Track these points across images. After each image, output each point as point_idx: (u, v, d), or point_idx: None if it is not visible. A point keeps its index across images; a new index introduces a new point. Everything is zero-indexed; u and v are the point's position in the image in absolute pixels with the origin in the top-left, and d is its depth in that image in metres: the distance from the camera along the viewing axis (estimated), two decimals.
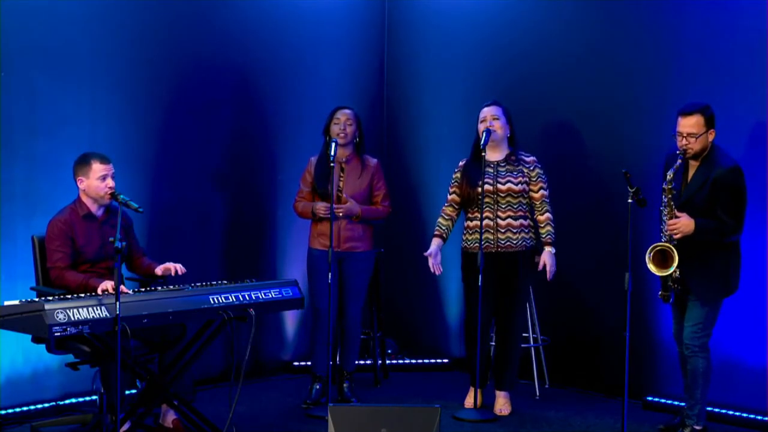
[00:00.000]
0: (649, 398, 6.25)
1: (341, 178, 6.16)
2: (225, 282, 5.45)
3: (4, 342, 5.74)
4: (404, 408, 4.62)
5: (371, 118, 7.56)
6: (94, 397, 5.73)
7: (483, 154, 5.91)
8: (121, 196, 5.12)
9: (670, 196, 5.35)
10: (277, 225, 6.98)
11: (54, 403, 5.96)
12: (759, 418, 5.82)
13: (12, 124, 5.83)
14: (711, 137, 5.41)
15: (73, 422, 5.65)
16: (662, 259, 5.32)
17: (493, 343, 6.33)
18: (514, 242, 6.01)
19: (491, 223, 5.98)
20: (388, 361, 7.12)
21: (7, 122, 5.81)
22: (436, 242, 6.11)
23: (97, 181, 5.29)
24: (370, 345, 7.00)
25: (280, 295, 5.46)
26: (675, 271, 5.34)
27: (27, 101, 5.89)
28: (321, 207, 6.08)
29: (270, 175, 7.01)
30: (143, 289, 5.23)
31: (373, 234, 6.31)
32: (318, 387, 6.27)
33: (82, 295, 4.96)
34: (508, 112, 6.09)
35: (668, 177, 5.35)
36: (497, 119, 6.02)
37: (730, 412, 5.89)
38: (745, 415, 5.86)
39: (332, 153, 5.91)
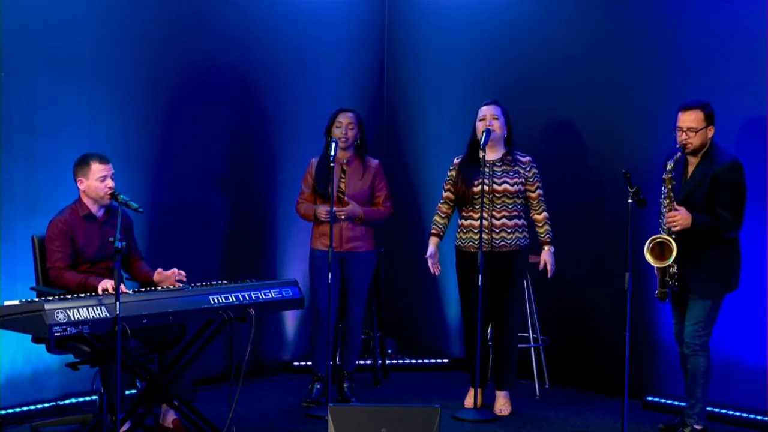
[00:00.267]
0: (649, 398, 6.25)
1: (342, 180, 6.16)
2: (225, 282, 5.45)
3: (4, 342, 5.74)
4: (404, 408, 4.62)
5: (371, 118, 7.56)
6: (94, 397, 5.73)
7: (483, 153, 5.91)
8: (121, 196, 5.12)
9: (670, 186, 5.36)
10: (277, 225, 6.98)
11: (54, 403, 5.96)
12: (759, 418, 5.82)
13: (12, 124, 5.83)
14: (710, 133, 5.43)
15: (73, 422, 5.65)
16: (661, 252, 5.33)
17: (491, 343, 6.33)
18: (509, 242, 6.01)
19: (486, 222, 5.98)
20: (388, 361, 7.12)
21: (7, 122, 5.81)
22: (433, 242, 6.14)
23: (96, 182, 5.30)
24: (370, 345, 7.00)
25: (280, 295, 5.46)
26: (673, 267, 5.35)
27: (27, 101, 5.89)
28: (322, 211, 6.07)
29: (270, 175, 7.01)
30: (143, 289, 5.23)
31: (374, 234, 6.31)
32: (318, 386, 6.28)
33: (82, 295, 4.95)
34: (507, 112, 6.09)
35: (668, 167, 5.36)
36: (497, 119, 6.02)
37: (730, 412, 5.89)
38: (745, 415, 5.86)
39: (332, 153, 5.91)
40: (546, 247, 6.06)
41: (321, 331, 6.20)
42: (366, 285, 6.31)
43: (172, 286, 5.30)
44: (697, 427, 5.51)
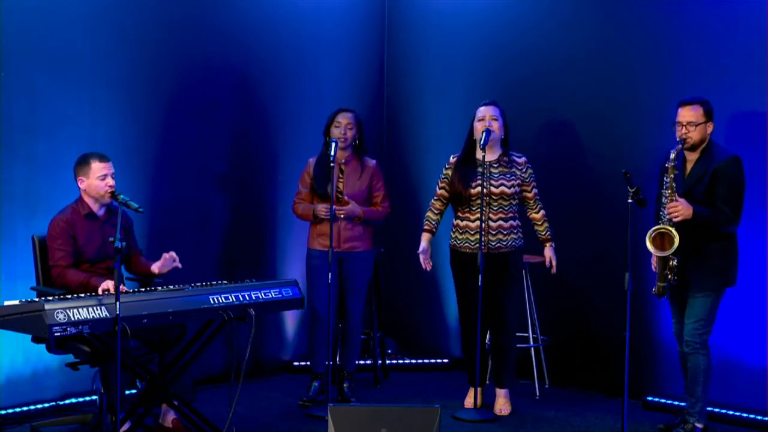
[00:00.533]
0: (649, 398, 6.25)
1: (340, 180, 6.17)
2: (225, 282, 5.45)
3: (4, 342, 5.74)
4: (404, 408, 4.62)
5: (371, 118, 7.56)
6: (94, 397, 5.73)
7: (483, 154, 5.91)
8: (121, 196, 5.12)
9: (672, 176, 5.36)
10: (277, 225, 6.98)
11: (54, 403, 5.96)
12: (759, 418, 5.82)
13: (12, 124, 5.83)
14: (709, 129, 5.45)
15: (73, 422, 5.65)
16: (662, 243, 5.33)
17: (488, 344, 6.33)
18: (504, 243, 6.01)
19: (483, 224, 5.97)
20: (388, 361, 7.12)
21: (7, 122, 5.81)
22: (426, 238, 6.16)
23: (97, 181, 5.30)
24: (370, 345, 7.00)
25: (280, 295, 5.46)
26: (673, 260, 5.35)
27: (27, 101, 5.89)
28: (322, 209, 6.08)
29: (270, 175, 7.01)
30: (143, 289, 5.23)
31: (372, 234, 6.31)
32: (316, 385, 6.28)
33: (82, 295, 4.95)
34: (505, 114, 6.09)
35: (671, 156, 5.36)
36: (496, 120, 6.02)
37: (730, 412, 5.89)
38: (745, 415, 5.86)
39: (332, 153, 5.91)
40: (548, 244, 6.09)
41: (319, 331, 6.21)
42: (365, 285, 6.32)
43: (172, 287, 5.30)
44: (698, 425, 5.51)
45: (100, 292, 5.04)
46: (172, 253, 5.42)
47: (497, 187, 5.99)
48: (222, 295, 5.20)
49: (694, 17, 6.16)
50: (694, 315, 5.47)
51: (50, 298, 4.81)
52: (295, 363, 7.11)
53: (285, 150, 7.01)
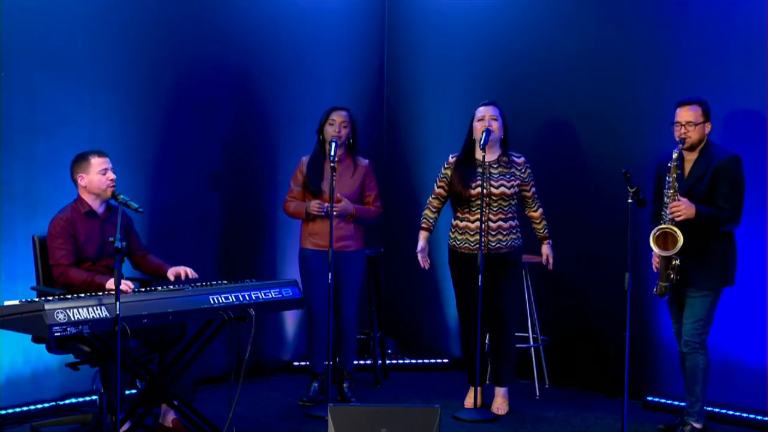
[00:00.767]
0: (649, 398, 6.25)
1: (333, 177, 6.17)
2: (225, 282, 5.45)
3: (4, 342, 5.74)
4: (404, 408, 4.62)
5: (371, 118, 7.57)
6: (94, 397, 5.73)
7: (483, 154, 5.91)
8: (121, 196, 5.12)
9: (675, 175, 5.36)
10: (277, 225, 6.98)
11: (54, 403, 5.96)
12: (759, 418, 5.82)
13: (12, 124, 5.83)
14: (707, 129, 5.46)
15: (73, 422, 5.65)
16: (665, 243, 5.33)
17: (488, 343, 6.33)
18: (504, 243, 6.01)
19: (483, 225, 5.97)
20: (388, 361, 7.12)
21: (7, 122, 5.81)
22: (423, 236, 6.17)
23: (98, 175, 5.31)
24: (370, 345, 7.00)
25: (280, 295, 5.46)
26: (675, 260, 5.34)
27: (27, 101, 5.89)
28: (315, 205, 6.08)
29: (270, 175, 7.01)
30: (143, 289, 5.23)
31: (363, 234, 6.31)
32: (316, 385, 6.29)
33: (82, 294, 4.95)
34: (504, 114, 6.09)
35: (674, 156, 5.36)
36: (496, 120, 6.02)
37: (730, 412, 5.89)
38: (745, 415, 5.86)
39: (332, 153, 5.92)
40: (545, 242, 6.15)
41: (316, 331, 6.23)
42: (358, 284, 6.31)
43: (172, 287, 5.30)
44: (697, 425, 5.51)
45: (108, 286, 5.03)
46: (194, 273, 5.42)
47: (497, 187, 5.99)
48: (222, 295, 5.20)
49: (694, 17, 6.16)
50: (693, 315, 5.47)
51: (50, 298, 4.81)
52: (295, 363, 7.11)
53: (285, 150, 7.01)
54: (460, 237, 6.08)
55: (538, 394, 6.50)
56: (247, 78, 6.92)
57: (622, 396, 5.24)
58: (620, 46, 6.48)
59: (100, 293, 5.00)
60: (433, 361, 7.37)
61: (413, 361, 7.38)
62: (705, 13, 6.11)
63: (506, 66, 7.03)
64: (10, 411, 5.79)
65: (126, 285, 5.07)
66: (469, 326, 6.06)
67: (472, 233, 6.00)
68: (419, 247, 6.15)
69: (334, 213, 6.05)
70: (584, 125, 6.66)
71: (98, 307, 4.76)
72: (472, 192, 5.99)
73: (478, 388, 6.07)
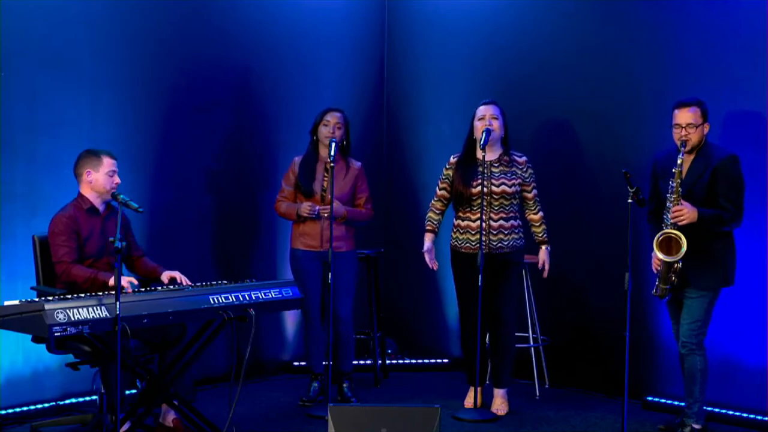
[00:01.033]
0: (649, 398, 6.25)
1: (326, 179, 6.17)
2: (225, 282, 5.45)
3: (4, 342, 5.74)
4: (404, 408, 4.62)
5: (371, 118, 7.57)
6: (94, 397, 5.73)
7: (483, 153, 5.91)
8: (121, 196, 5.12)
9: (678, 180, 5.36)
10: (277, 225, 6.97)
11: (54, 403, 5.96)
12: (759, 418, 5.82)
13: (12, 124, 5.83)
14: (706, 130, 5.46)
15: (73, 422, 5.66)
16: (667, 247, 5.32)
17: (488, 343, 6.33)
18: (505, 243, 6.01)
19: (483, 224, 5.97)
20: (388, 361, 7.12)
21: (7, 122, 5.81)
22: (429, 237, 6.15)
23: (106, 176, 5.33)
24: (370, 345, 7.00)
25: (280, 295, 5.45)
26: (677, 264, 5.34)
27: (27, 101, 5.89)
28: (306, 208, 6.09)
29: (270, 176, 7.00)
30: (143, 289, 5.23)
31: (354, 235, 6.31)
32: (316, 385, 6.30)
33: (82, 294, 4.95)
34: (505, 113, 6.09)
35: (679, 161, 5.35)
36: (496, 119, 6.02)
37: (730, 412, 5.89)
38: (745, 415, 5.86)
39: (332, 153, 5.92)
40: (543, 247, 6.08)
41: (312, 331, 6.25)
42: (352, 284, 6.31)
43: (172, 287, 5.31)
44: (696, 426, 5.51)
45: (111, 284, 5.03)
46: (188, 281, 5.42)
47: (498, 186, 5.99)
48: (222, 295, 5.20)
49: (694, 17, 6.16)
50: (690, 316, 5.47)
51: (50, 298, 4.81)
52: (295, 363, 7.11)
53: (285, 150, 7.00)
54: (461, 237, 6.08)
55: (538, 394, 6.50)
56: (247, 78, 6.92)
57: (622, 396, 5.24)
58: (620, 46, 6.48)
59: (100, 293, 5.00)
60: (433, 361, 7.37)
61: (413, 361, 7.38)
62: (704, 13, 6.11)
63: (506, 66, 7.03)
64: (10, 411, 5.79)
65: (127, 281, 5.07)
66: (470, 326, 6.06)
67: (473, 233, 6.00)
68: (426, 248, 6.13)
69: (325, 215, 6.05)
70: (584, 125, 6.67)
71: (98, 307, 4.76)
72: (473, 191, 5.99)
73: (478, 388, 6.07)
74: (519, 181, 6.03)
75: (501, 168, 6.04)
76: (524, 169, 6.06)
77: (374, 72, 7.64)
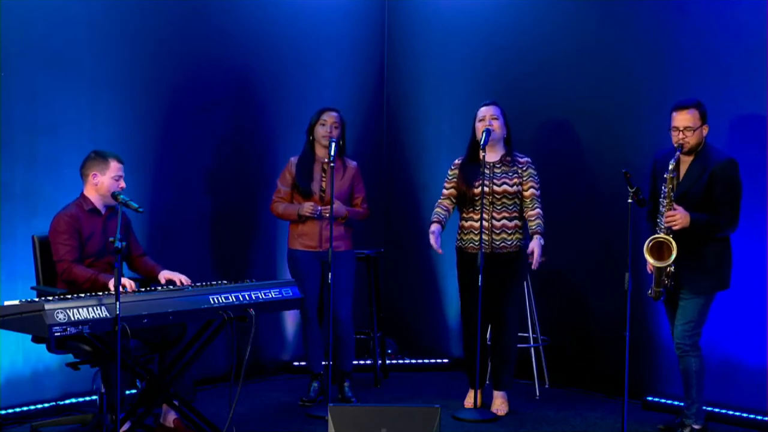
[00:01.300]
0: (649, 398, 6.25)
1: (323, 179, 6.17)
2: (225, 282, 5.45)
3: (4, 342, 5.74)
4: (404, 408, 4.62)
5: (371, 118, 7.57)
6: (94, 397, 5.74)
7: (483, 153, 5.91)
8: (121, 197, 5.12)
9: (671, 186, 5.36)
10: (277, 225, 6.96)
11: (54, 403, 5.96)
12: (759, 418, 5.82)
13: (12, 124, 5.83)
14: (705, 132, 5.44)
15: (73, 422, 5.66)
16: (659, 252, 5.32)
17: (489, 344, 6.33)
18: (509, 243, 6.01)
19: (486, 224, 5.98)
20: (388, 361, 7.12)
21: (7, 122, 5.81)
22: (435, 225, 6.01)
23: (111, 180, 5.34)
24: (370, 345, 7.00)
25: (280, 295, 5.45)
26: (670, 267, 5.34)
27: (27, 101, 5.89)
28: (308, 207, 6.08)
29: (270, 176, 6.99)
30: (143, 289, 5.23)
31: (352, 234, 6.32)
32: (316, 385, 6.30)
33: (82, 294, 4.96)
34: (506, 113, 6.09)
35: (670, 167, 5.35)
36: (496, 119, 6.02)
37: (730, 412, 5.89)
38: (745, 415, 5.86)
39: (332, 153, 5.92)
40: (536, 237, 5.91)
41: (311, 332, 6.26)
42: (350, 284, 6.31)
43: (172, 287, 5.31)
44: (696, 426, 5.51)
45: (111, 286, 5.03)
46: (188, 280, 5.42)
47: (500, 186, 6.00)
48: (222, 295, 5.20)
49: (693, 17, 6.16)
50: (684, 317, 5.46)
51: (50, 298, 4.81)
52: (295, 363, 7.11)
53: (285, 150, 6.99)
54: (465, 237, 6.09)
55: (538, 394, 6.50)
56: (247, 78, 6.92)
57: (622, 396, 5.24)
58: (620, 46, 6.48)
59: (101, 293, 5.00)
60: (433, 361, 7.37)
61: (413, 361, 7.38)
62: (704, 13, 6.11)
63: (506, 66, 7.03)
64: (10, 411, 5.79)
65: (128, 283, 5.07)
66: (470, 327, 6.05)
67: (476, 232, 6.00)
68: (432, 229, 5.97)
69: (326, 215, 6.06)
70: (584, 125, 6.67)
71: (98, 307, 4.76)
72: (475, 191, 5.99)
73: (478, 389, 6.07)
74: (518, 180, 6.03)
75: (503, 168, 6.05)
76: (524, 168, 6.05)
77: (374, 72, 7.65)
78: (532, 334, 6.61)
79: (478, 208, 6.00)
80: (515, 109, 6.39)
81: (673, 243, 5.25)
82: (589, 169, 6.64)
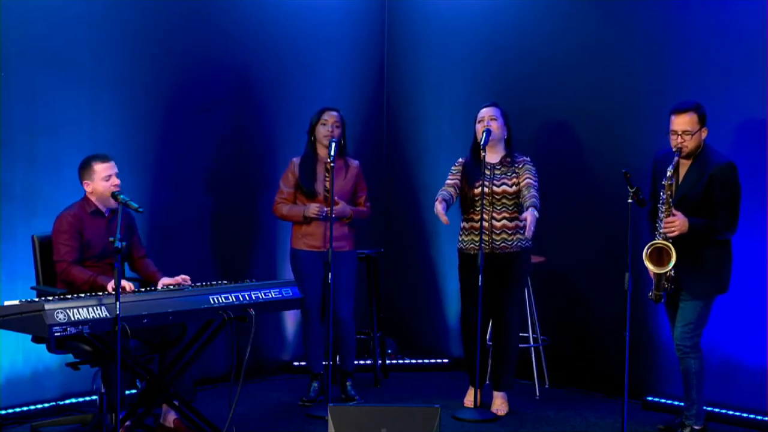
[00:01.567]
0: (649, 398, 6.25)
1: (326, 179, 6.17)
2: (225, 282, 5.45)
3: (4, 342, 5.74)
4: (404, 408, 4.62)
5: (371, 118, 7.57)
6: (94, 397, 5.74)
7: (483, 153, 5.91)
8: (121, 197, 5.12)
9: (669, 192, 5.35)
10: (277, 225, 6.97)
11: (54, 403, 5.96)
12: (759, 418, 5.82)
13: (12, 124, 5.83)
14: (704, 135, 5.43)
15: (73, 422, 5.66)
16: (658, 257, 5.32)
17: (490, 343, 6.33)
18: (509, 243, 6.01)
19: (486, 224, 5.98)
20: (388, 361, 7.12)
21: (7, 122, 5.81)
22: (440, 202, 5.86)
23: (102, 182, 5.33)
24: (370, 345, 7.00)
25: (280, 295, 5.46)
26: (670, 271, 5.34)
27: (27, 101, 5.89)
28: (315, 208, 6.07)
29: (270, 176, 7.00)
30: (143, 289, 5.23)
31: (355, 234, 6.32)
32: (316, 385, 6.30)
33: (82, 294, 4.96)
34: (506, 114, 6.10)
35: (668, 173, 5.35)
36: (495, 119, 6.03)
37: (730, 412, 5.89)
38: (745, 415, 5.86)
39: (332, 153, 5.92)
40: (530, 209, 5.77)
41: (311, 332, 6.25)
42: (353, 285, 6.31)
43: (172, 287, 5.31)
44: (696, 427, 5.51)
45: (109, 288, 5.03)
46: (187, 278, 5.42)
47: (499, 186, 6.00)
48: (222, 295, 5.20)
49: (694, 18, 6.16)
50: (683, 319, 5.46)
51: (50, 298, 4.81)
52: (295, 363, 7.11)
53: (285, 150, 7.00)
54: (466, 238, 6.09)
55: (538, 394, 6.50)
56: (247, 78, 6.92)
57: (622, 396, 5.24)
58: (620, 47, 6.48)
59: (100, 293, 5.00)
60: (433, 361, 7.37)
61: (413, 361, 7.38)
62: (704, 13, 6.11)
63: (506, 66, 7.03)
64: (10, 411, 5.79)
65: (127, 285, 5.08)
66: (471, 327, 6.05)
67: (477, 233, 6.00)
68: (436, 204, 5.84)
69: (333, 216, 6.05)
70: (584, 125, 6.66)
71: (98, 307, 4.76)
72: (475, 191, 6.00)
73: (478, 388, 6.07)
74: (516, 180, 6.03)
75: (503, 169, 6.05)
76: (521, 165, 6.04)
77: (374, 72, 7.64)
78: (532, 334, 6.61)
79: (478, 209, 6.00)
80: (515, 110, 6.38)
81: (672, 249, 5.25)
82: (589, 169, 6.64)
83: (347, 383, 6.34)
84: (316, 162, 6.19)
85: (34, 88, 5.91)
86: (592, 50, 6.61)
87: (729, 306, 5.77)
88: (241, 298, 5.26)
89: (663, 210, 5.35)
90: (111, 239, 4.75)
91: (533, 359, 6.58)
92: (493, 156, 6.05)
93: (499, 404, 6.12)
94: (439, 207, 5.82)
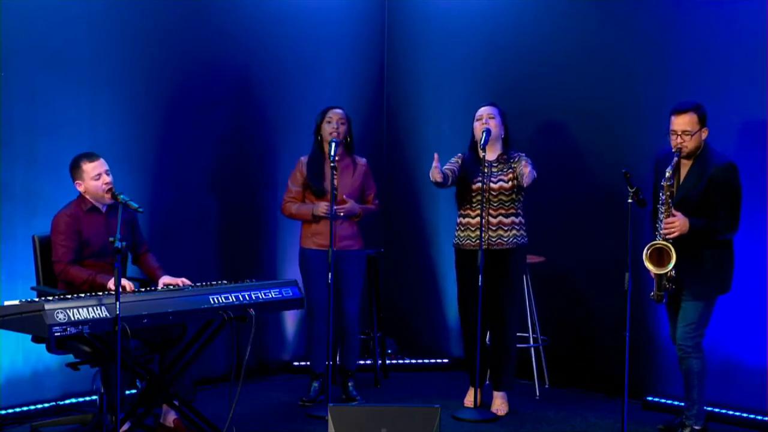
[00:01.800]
0: (649, 398, 6.25)
1: (335, 178, 6.17)
2: (225, 282, 5.45)
3: (4, 342, 5.74)
4: (404, 408, 4.62)
5: (371, 118, 7.57)
6: (94, 397, 5.73)
7: (483, 153, 5.92)
8: (121, 196, 5.12)
9: (668, 193, 5.35)
10: (277, 225, 6.98)
11: (54, 403, 5.96)
12: (759, 418, 5.82)
13: (12, 124, 5.83)
14: (704, 135, 5.43)
15: (73, 422, 5.66)
16: (659, 258, 5.32)
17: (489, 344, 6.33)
18: (505, 240, 6.02)
19: (482, 221, 5.99)
20: (388, 361, 7.12)
21: (7, 122, 5.81)
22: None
23: (92, 181, 5.32)
24: (370, 345, 7.00)
25: (280, 295, 5.45)
26: (671, 272, 5.34)
27: (27, 101, 5.89)
28: (323, 207, 6.07)
29: (270, 176, 7.01)
30: (143, 289, 5.23)
31: (362, 233, 6.32)
32: (316, 385, 6.29)
33: (83, 294, 4.96)
34: (504, 113, 6.10)
35: (667, 174, 5.35)
36: (493, 118, 6.04)
37: (730, 412, 5.89)
38: (745, 415, 5.86)
39: (332, 153, 5.92)
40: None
41: (316, 331, 6.24)
42: (360, 284, 6.32)
43: (173, 286, 5.32)
44: (696, 427, 5.51)
45: (109, 286, 5.03)
46: (187, 282, 5.42)
47: (496, 182, 6.01)
48: (222, 295, 5.20)
49: (693, 18, 6.16)
50: (685, 319, 5.46)
51: (50, 298, 4.81)
52: (295, 363, 7.11)
53: (285, 150, 7.01)
54: (462, 234, 6.10)
55: (538, 394, 6.50)
56: (247, 78, 6.92)
57: (622, 396, 5.24)
58: (620, 47, 6.48)
59: (100, 293, 5.00)
60: (433, 361, 7.37)
61: (413, 361, 7.38)
62: (705, 14, 6.11)
63: (506, 66, 7.03)
64: (10, 411, 5.79)
65: (127, 284, 5.08)
66: (469, 326, 6.06)
67: (473, 229, 6.01)
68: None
69: (341, 214, 6.06)
70: (584, 125, 6.66)
71: (98, 307, 4.76)
72: (473, 187, 6.00)
73: (478, 388, 6.07)
74: (512, 174, 6.03)
75: (499, 166, 6.07)
76: (516, 159, 6.03)
77: (374, 72, 7.64)
78: (532, 334, 6.61)
79: (475, 206, 6.01)
80: (515, 109, 6.38)
81: (672, 249, 5.25)
82: (589, 169, 6.64)
83: (349, 383, 6.34)
84: (323, 161, 6.18)
85: (34, 88, 5.91)
86: (592, 50, 6.61)
87: (729, 306, 5.77)
88: (241, 298, 5.26)
89: (662, 211, 5.35)
90: (111, 239, 4.75)
91: (533, 359, 6.58)
92: (490, 154, 6.06)
93: (499, 404, 6.13)
94: (434, 164, 5.79)
